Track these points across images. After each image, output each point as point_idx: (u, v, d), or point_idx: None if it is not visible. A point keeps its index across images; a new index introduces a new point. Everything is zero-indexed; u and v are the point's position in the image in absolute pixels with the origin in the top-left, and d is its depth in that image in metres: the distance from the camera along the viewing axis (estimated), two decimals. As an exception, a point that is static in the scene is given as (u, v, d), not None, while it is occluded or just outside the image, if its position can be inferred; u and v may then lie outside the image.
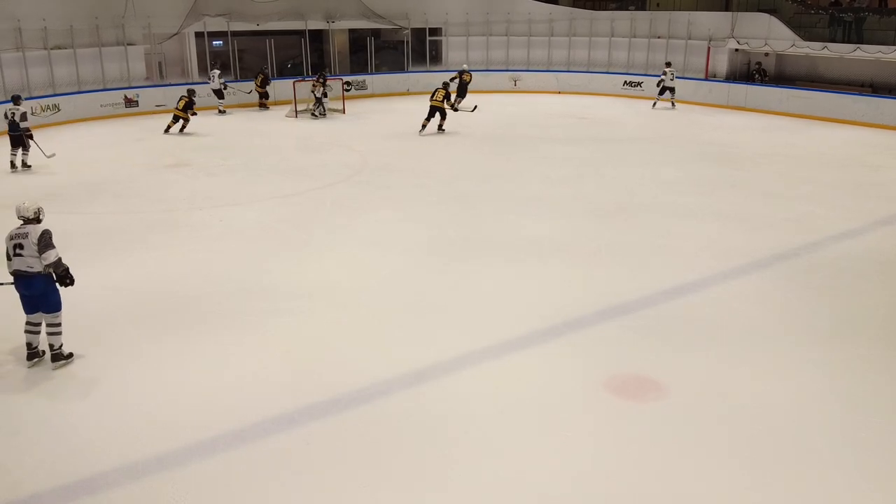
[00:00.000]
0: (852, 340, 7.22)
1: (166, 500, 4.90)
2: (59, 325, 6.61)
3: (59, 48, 20.49)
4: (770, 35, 22.40)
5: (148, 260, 9.47)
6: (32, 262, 6.39)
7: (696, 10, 25.27)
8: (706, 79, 23.91)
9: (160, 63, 22.84)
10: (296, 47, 25.12)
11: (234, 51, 23.34)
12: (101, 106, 20.90)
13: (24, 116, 14.08)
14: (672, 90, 22.38)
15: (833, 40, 21.27)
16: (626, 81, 25.41)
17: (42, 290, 6.47)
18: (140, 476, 5.14)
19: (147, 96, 21.87)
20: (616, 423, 5.79)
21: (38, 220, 6.62)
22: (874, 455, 5.41)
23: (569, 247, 9.96)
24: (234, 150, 16.64)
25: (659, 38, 25.34)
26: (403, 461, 5.32)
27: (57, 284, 6.52)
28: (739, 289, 8.54)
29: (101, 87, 21.19)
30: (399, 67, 26.77)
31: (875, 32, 20.50)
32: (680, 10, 25.88)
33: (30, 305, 6.56)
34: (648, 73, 25.28)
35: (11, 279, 6.47)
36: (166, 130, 18.52)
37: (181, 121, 18.64)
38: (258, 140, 17.95)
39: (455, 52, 27.34)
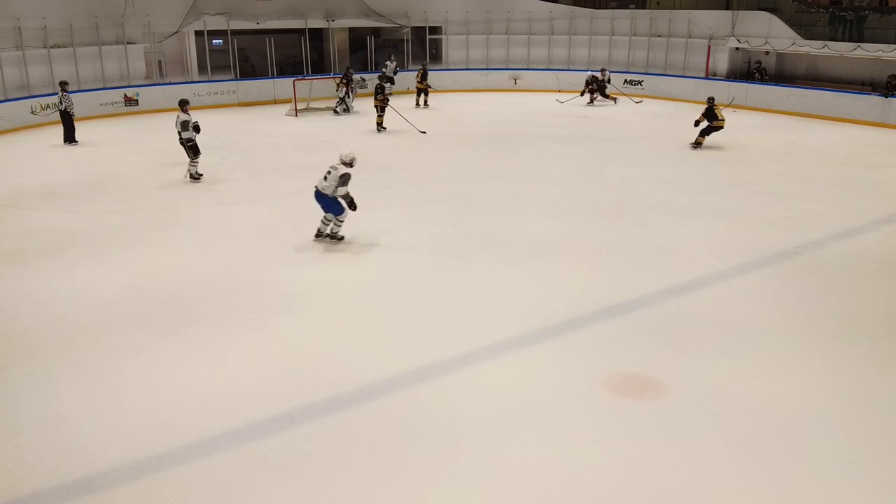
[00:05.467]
0: (852, 339, 7.22)
1: (166, 499, 4.90)
2: (341, 222, 9.83)
3: (59, 47, 20.50)
4: (770, 34, 22.40)
5: (148, 259, 9.47)
6: (327, 188, 9.49)
7: (697, 8, 25.28)
8: (706, 77, 23.91)
9: (160, 62, 22.85)
10: (296, 46, 25.12)
11: (233, 49, 23.33)
12: (101, 105, 20.91)
13: (184, 124, 13.11)
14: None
15: (833, 39, 21.28)
16: (626, 80, 25.40)
17: (327, 204, 9.69)
18: (140, 475, 5.14)
19: (147, 95, 21.86)
20: (616, 422, 5.79)
21: (350, 165, 9.54)
22: (874, 453, 5.41)
23: (569, 246, 9.96)
24: (234, 149, 16.63)
25: (659, 36, 25.34)
26: (403, 460, 5.32)
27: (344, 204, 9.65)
28: (739, 287, 8.54)
29: (100, 86, 21.21)
30: (399, 66, 26.77)
31: (875, 31, 20.50)
32: (680, 8, 25.89)
33: (322, 208, 9.76)
34: (649, 71, 25.30)
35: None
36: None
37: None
38: (258, 139, 17.94)
39: (455, 51, 27.35)
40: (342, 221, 9.84)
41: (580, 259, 9.46)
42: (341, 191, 9.39)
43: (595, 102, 23.24)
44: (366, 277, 8.84)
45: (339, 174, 9.39)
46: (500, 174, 14.10)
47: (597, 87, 23.16)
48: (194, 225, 11.01)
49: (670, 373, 6.52)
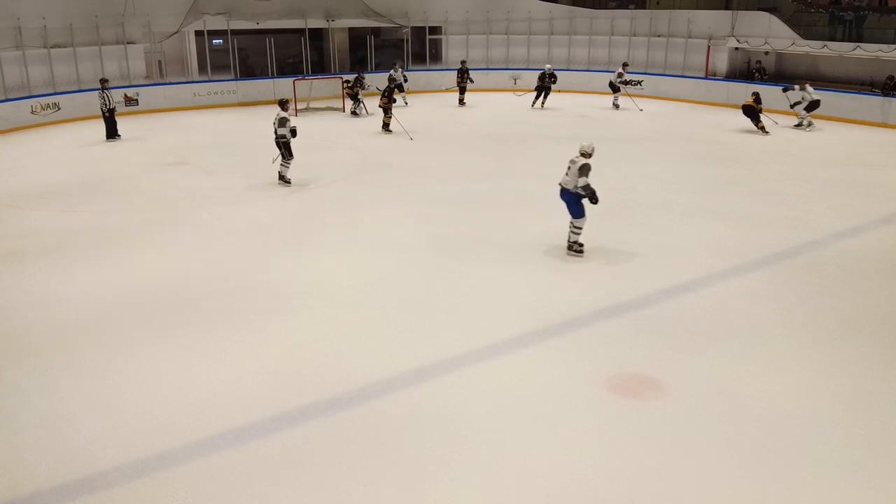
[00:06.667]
0: (852, 339, 7.22)
1: (166, 498, 4.90)
2: (580, 228, 9.43)
3: (59, 47, 20.49)
4: (770, 33, 22.40)
5: (148, 259, 9.47)
6: (568, 182, 9.23)
7: (697, 8, 25.28)
8: (706, 77, 23.91)
9: (160, 62, 22.84)
10: (296, 46, 25.12)
11: (233, 49, 23.32)
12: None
13: (281, 122, 12.68)
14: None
15: (833, 39, 21.28)
16: (626, 80, 25.36)
17: (568, 201, 9.34)
18: (140, 475, 5.14)
19: (147, 95, 21.86)
20: (616, 422, 5.79)
21: (589, 156, 9.20)
22: (874, 453, 5.41)
23: (569, 246, 9.96)
24: (234, 149, 16.63)
25: (659, 36, 25.34)
26: (403, 461, 5.32)
27: (584, 201, 9.25)
28: (740, 287, 8.54)
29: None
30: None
31: (875, 31, 20.50)
32: (680, 8, 25.88)
33: (567, 208, 9.40)
34: (648, 71, 25.28)
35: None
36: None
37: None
38: (258, 139, 17.90)
39: (455, 51, 27.34)
40: (580, 228, 9.41)
41: (580, 259, 9.45)
42: (582, 181, 9.06)
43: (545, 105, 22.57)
44: (366, 277, 8.84)
45: (579, 166, 9.08)
46: (501, 174, 14.10)
47: (542, 87, 22.36)
48: (194, 225, 11.01)
49: (670, 373, 6.52)
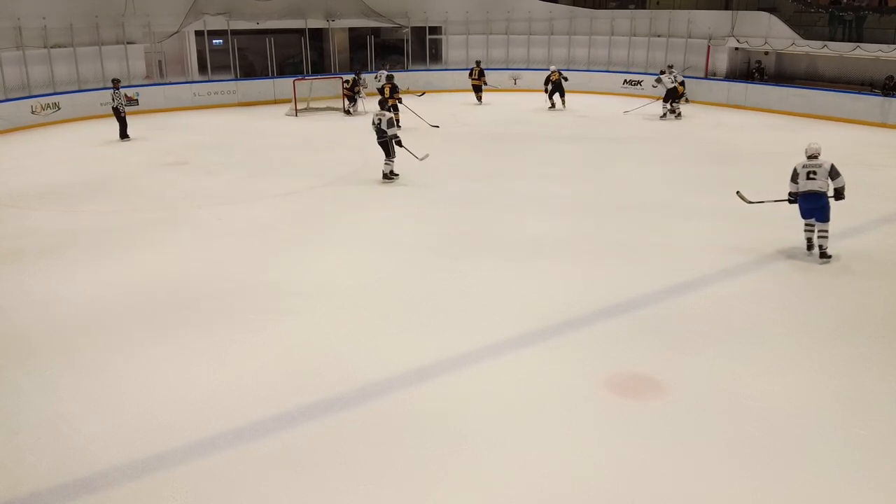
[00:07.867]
0: (852, 339, 7.22)
1: (166, 498, 4.90)
2: (827, 231, 9.08)
3: (59, 47, 20.50)
4: (770, 34, 22.40)
5: (148, 259, 9.47)
6: (822, 185, 8.97)
7: (696, 8, 25.27)
8: (706, 77, 23.91)
9: (160, 62, 22.84)
10: (296, 46, 25.12)
11: (233, 49, 23.32)
12: (102, 104, 20.78)
13: (390, 122, 13.05)
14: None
15: (833, 39, 21.27)
16: (625, 80, 25.40)
17: (822, 206, 9.02)
18: (140, 475, 5.14)
19: (147, 95, 21.86)
20: (616, 422, 5.78)
21: (819, 156, 9.09)
22: (874, 453, 5.41)
23: (569, 245, 9.96)
24: (234, 149, 16.63)
25: (659, 36, 25.34)
26: (403, 460, 5.32)
27: (832, 200, 9.06)
28: (740, 287, 8.54)
29: (101, 86, 21.18)
30: (399, 66, 26.75)
31: (875, 31, 20.49)
32: (680, 8, 25.88)
33: (808, 213, 9.18)
34: (648, 71, 25.28)
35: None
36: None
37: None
38: (258, 139, 17.93)
39: (455, 51, 27.35)
40: (827, 232, 9.07)
41: (580, 259, 9.45)
42: (840, 181, 8.95)
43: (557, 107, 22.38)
44: (366, 277, 8.84)
45: (828, 167, 8.92)
46: (501, 174, 14.09)
47: (553, 89, 22.39)
48: (194, 225, 11.01)
49: (670, 373, 6.52)
